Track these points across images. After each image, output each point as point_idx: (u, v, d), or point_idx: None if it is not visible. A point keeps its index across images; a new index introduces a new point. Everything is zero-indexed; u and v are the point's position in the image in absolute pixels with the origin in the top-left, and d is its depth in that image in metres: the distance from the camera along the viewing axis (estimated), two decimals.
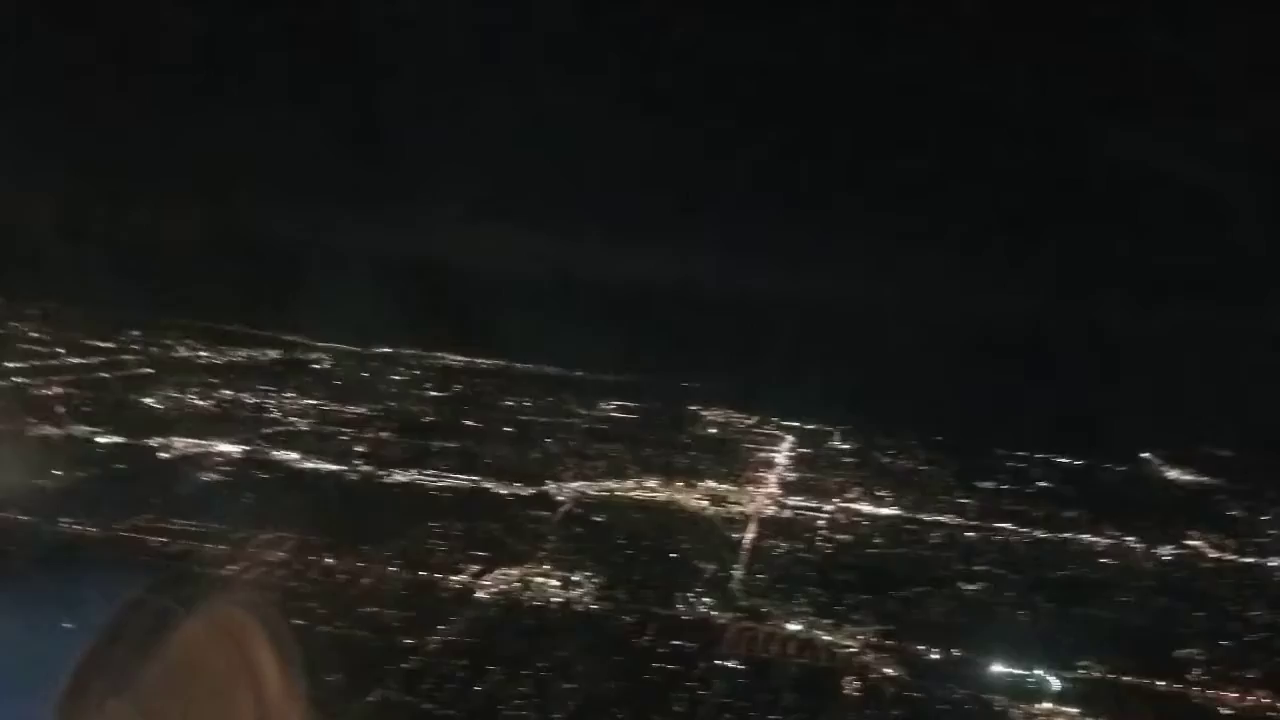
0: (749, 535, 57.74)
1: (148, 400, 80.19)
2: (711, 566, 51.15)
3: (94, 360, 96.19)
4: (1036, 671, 41.27)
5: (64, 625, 2.33)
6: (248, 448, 66.68)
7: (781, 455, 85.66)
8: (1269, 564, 63.40)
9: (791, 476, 76.60)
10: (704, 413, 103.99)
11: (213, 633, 2.73)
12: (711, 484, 69.75)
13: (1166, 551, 63.25)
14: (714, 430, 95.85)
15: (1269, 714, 40.22)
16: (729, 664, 38.97)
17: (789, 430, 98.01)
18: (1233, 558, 63.86)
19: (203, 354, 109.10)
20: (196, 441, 66.85)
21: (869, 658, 41.28)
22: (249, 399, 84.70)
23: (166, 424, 71.47)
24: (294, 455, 65.73)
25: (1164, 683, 41.83)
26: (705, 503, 64.53)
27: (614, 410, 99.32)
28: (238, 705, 2.84)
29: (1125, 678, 41.82)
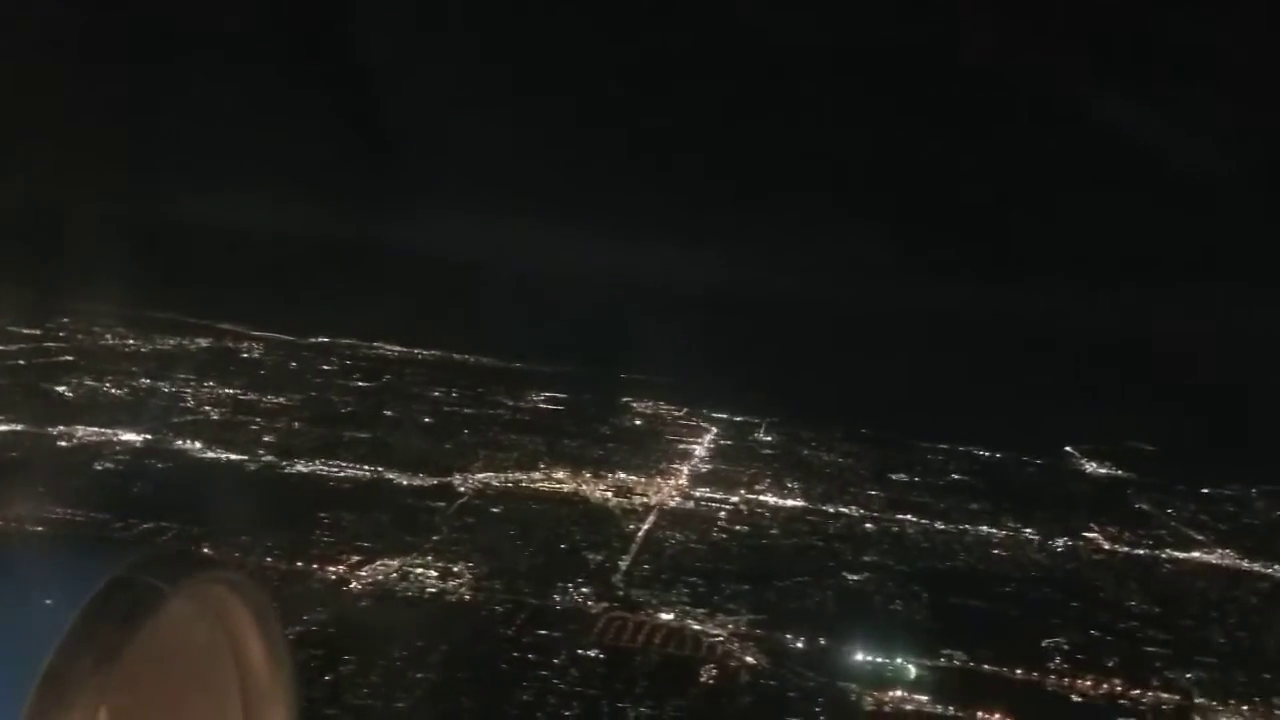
0: (645, 526, 58.14)
1: (60, 388, 79.38)
2: (599, 557, 51.52)
3: (15, 347, 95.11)
4: (897, 660, 42.00)
5: (45, 602, 2.37)
6: (151, 437, 66.13)
7: (701, 447, 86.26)
8: (1160, 556, 64.87)
9: (705, 468, 77.17)
10: (635, 404, 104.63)
11: (198, 611, 2.79)
12: (622, 475, 70.14)
13: (1061, 543, 64.47)
14: (639, 422, 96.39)
15: (1120, 702, 41.19)
16: (591, 653, 39.30)
17: (716, 422, 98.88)
18: (1125, 549, 65.27)
19: (130, 342, 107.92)
20: (100, 430, 66.21)
21: (734, 646, 41.82)
22: (166, 388, 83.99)
23: (74, 412, 70.68)
24: (197, 445, 65.27)
25: (1022, 671, 42.73)
26: (610, 494, 64.88)
27: (542, 402, 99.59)
28: (223, 682, 2.91)
29: (985, 666, 42.69)
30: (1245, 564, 64.65)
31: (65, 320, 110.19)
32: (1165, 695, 42.04)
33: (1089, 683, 42.34)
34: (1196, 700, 41.91)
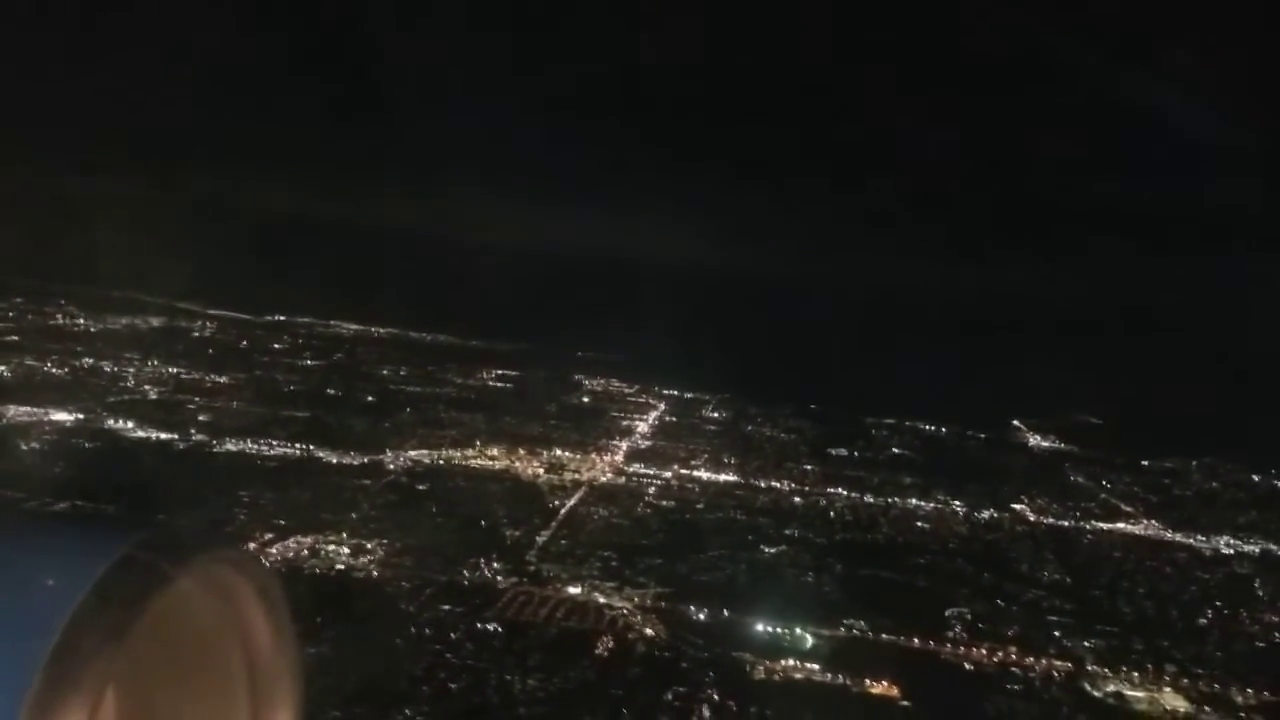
0: (571, 502, 58.62)
1: (0, 368, 79.06)
2: (517, 533, 52.01)
3: None
4: (796, 630, 42.72)
5: (49, 583, 2.34)
6: (83, 416, 66.10)
7: (645, 424, 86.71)
8: (1084, 527, 65.87)
9: (644, 444, 77.66)
10: (586, 382, 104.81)
11: (203, 590, 2.75)
12: (558, 452, 70.53)
13: (986, 516, 65.37)
14: (587, 399, 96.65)
15: (1011, 670, 42.06)
16: (489, 628, 39.81)
17: (665, 399, 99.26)
18: (1050, 521, 66.24)
19: (80, 321, 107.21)
20: (31, 410, 66.05)
21: (635, 619, 42.43)
22: (108, 367, 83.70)
23: (8, 392, 70.44)
24: (129, 424, 65.28)
25: (919, 640, 43.55)
26: (541, 471, 65.31)
27: (492, 379, 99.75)
28: (228, 662, 2.88)
29: (883, 636, 43.48)
30: (1168, 535, 65.76)
31: (18, 300, 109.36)
32: (1058, 663, 42.93)
33: (983, 651, 43.20)
34: (1088, 668, 42.83)
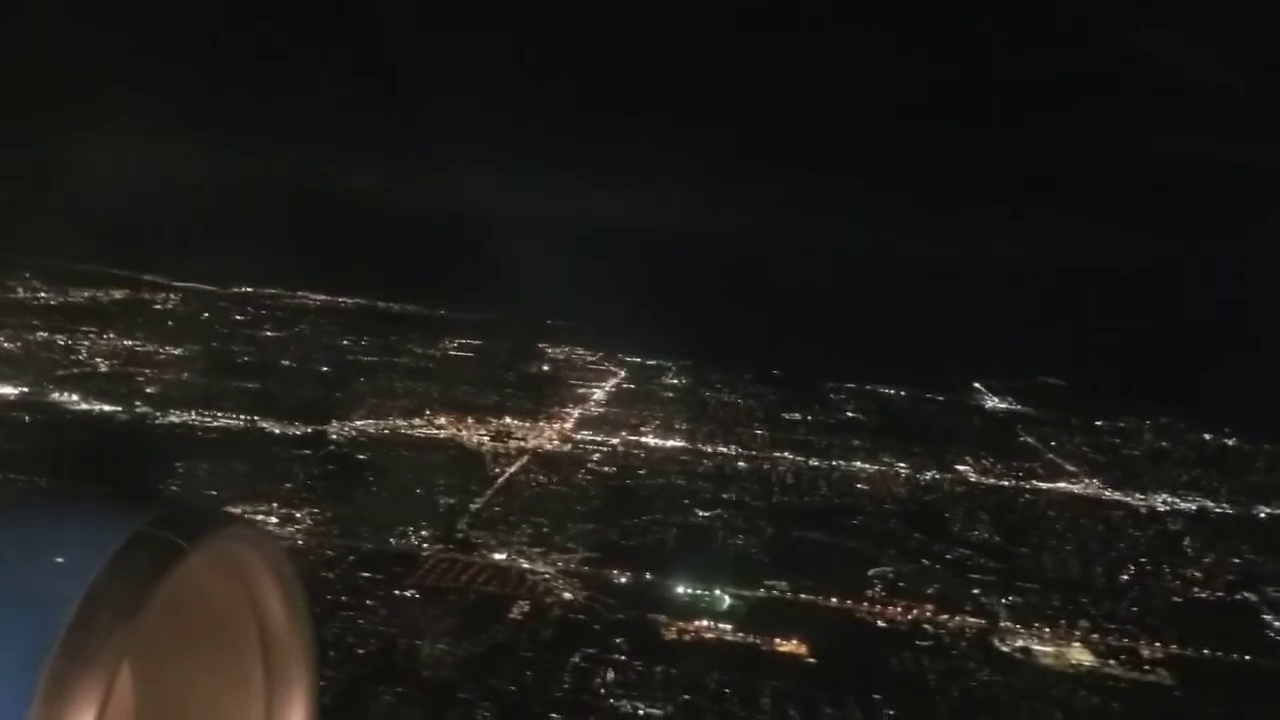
0: (511, 470, 59.10)
1: None
2: (451, 501, 52.48)
3: None
4: (715, 592, 43.41)
5: (58, 560, 2.38)
6: (28, 390, 66.24)
7: (602, 391, 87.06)
8: (1024, 487, 66.66)
9: (597, 412, 78.12)
10: (549, 350, 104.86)
11: (217, 568, 2.79)
12: (507, 420, 70.89)
13: (928, 477, 66.09)
14: (547, 368, 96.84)
15: (924, 627, 42.89)
16: (407, 594, 40.41)
17: (626, 366, 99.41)
18: (991, 482, 66.99)
19: (42, 295, 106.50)
20: None
21: (556, 584, 43.09)
22: (61, 340, 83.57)
23: None
24: (74, 398, 65.44)
25: (837, 600, 44.31)
26: (486, 439, 65.71)
27: (454, 349, 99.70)
28: (242, 638, 2.93)
29: (802, 596, 44.22)
30: (1107, 494, 66.57)
31: None
32: (972, 620, 43.79)
33: (899, 609, 44.01)
34: (1001, 624, 43.69)
